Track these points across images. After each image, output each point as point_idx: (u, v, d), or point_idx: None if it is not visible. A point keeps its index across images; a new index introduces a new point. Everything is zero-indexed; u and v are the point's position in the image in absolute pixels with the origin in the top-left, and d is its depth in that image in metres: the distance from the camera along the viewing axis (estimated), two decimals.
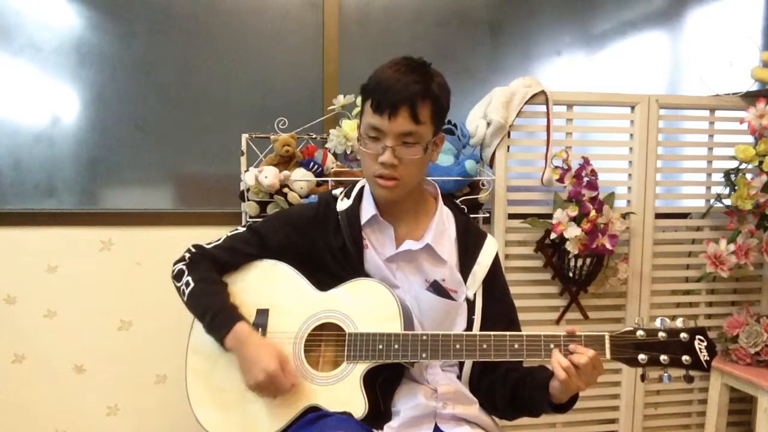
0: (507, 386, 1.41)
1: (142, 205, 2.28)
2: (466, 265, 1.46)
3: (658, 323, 1.27)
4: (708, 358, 1.24)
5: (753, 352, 2.21)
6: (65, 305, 2.19)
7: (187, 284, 1.42)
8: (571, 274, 2.20)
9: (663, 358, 1.24)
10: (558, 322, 2.29)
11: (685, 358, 1.24)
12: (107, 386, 2.24)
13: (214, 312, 1.39)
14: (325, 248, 1.45)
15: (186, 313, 1.48)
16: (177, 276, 1.46)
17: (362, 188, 1.50)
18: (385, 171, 1.35)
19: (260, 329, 1.41)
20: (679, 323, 1.27)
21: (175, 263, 1.48)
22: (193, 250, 1.48)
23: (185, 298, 1.43)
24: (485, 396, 1.45)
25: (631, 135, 2.31)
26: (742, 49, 2.56)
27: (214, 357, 1.43)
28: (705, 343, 1.24)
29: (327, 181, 2.04)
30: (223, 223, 2.21)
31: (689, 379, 1.25)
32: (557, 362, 1.24)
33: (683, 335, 1.25)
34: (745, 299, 2.41)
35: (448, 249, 1.47)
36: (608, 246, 2.11)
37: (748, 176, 2.21)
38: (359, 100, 1.55)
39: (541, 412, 1.38)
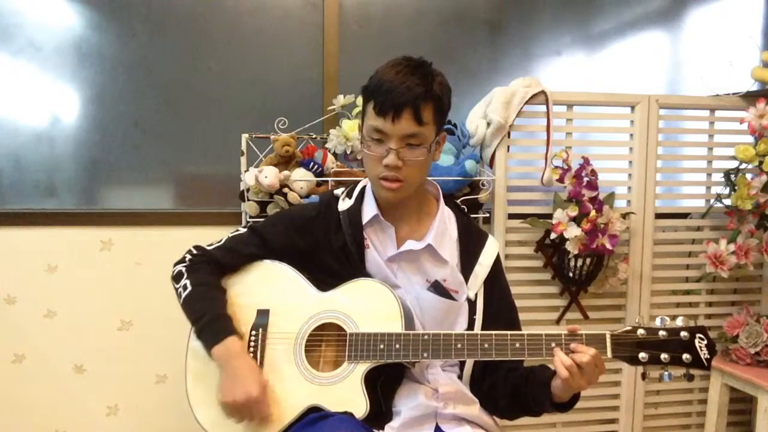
0: (508, 385, 1.41)
1: (142, 205, 2.28)
2: (467, 265, 1.47)
3: (658, 322, 1.28)
4: (708, 357, 1.24)
5: (753, 352, 2.21)
6: (65, 305, 2.19)
7: (185, 287, 1.42)
8: (571, 274, 2.20)
9: (663, 356, 1.24)
10: (558, 322, 2.29)
11: (686, 356, 1.24)
12: (107, 386, 2.24)
13: (209, 319, 1.38)
14: (326, 248, 1.45)
15: None
16: (176, 277, 1.46)
17: (364, 188, 1.50)
18: (390, 173, 1.35)
19: (261, 330, 1.41)
20: (679, 322, 1.27)
21: (176, 264, 1.49)
22: (194, 251, 1.48)
23: (181, 301, 1.43)
24: (486, 395, 1.46)
25: (631, 135, 2.31)
26: (742, 49, 2.56)
27: None
28: (705, 342, 1.25)
29: (327, 181, 2.04)
30: (223, 223, 2.21)
31: (690, 378, 1.25)
32: (560, 361, 1.24)
33: (683, 334, 1.25)
34: (745, 299, 2.41)
35: (450, 249, 1.47)
36: (608, 246, 2.11)
37: (748, 176, 2.21)
38: (359, 100, 1.55)
39: (543, 411, 1.38)
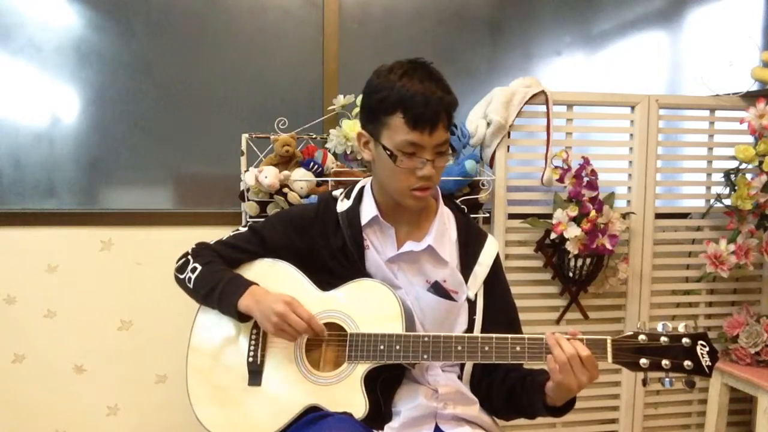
0: (504, 386, 1.41)
1: (142, 205, 2.28)
2: (467, 265, 1.47)
3: (660, 328, 1.26)
4: (710, 364, 1.23)
5: (753, 352, 2.21)
6: (65, 305, 2.19)
7: (194, 269, 1.44)
8: (571, 274, 2.20)
9: (665, 362, 1.23)
10: (558, 322, 2.29)
11: (687, 363, 1.23)
12: (107, 386, 2.24)
13: (226, 281, 1.40)
14: (325, 249, 1.45)
15: (186, 313, 1.49)
16: (181, 267, 1.48)
17: (362, 189, 1.50)
18: (425, 183, 1.35)
19: (262, 328, 1.41)
20: (681, 328, 1.26)
21: (178, 260, 1.50)
22: (195, 246, 1.51)
23: (192, 284, 1.44)
24: (484, 395, 1.46)
25: (631, 135, 2.31)
26: (742, 49, 2.56)
27: (215, 356, 1.44)
28: (707, 349, 1.23)
29: (327, 181, 2.04)
30: (223, 223, 2.21)
31: (691, 384, 1.24)
32: (551, 357, 1.23)
33: (685, 340, 1.24)
34: (745, 299, 2.41)
35: (449, 250, 1.47)
36: (608, 246, 2.11)
37: (748, 176, 2.22)
38: (359, 100, 1.54)
39: (536, 414, 1.37)
